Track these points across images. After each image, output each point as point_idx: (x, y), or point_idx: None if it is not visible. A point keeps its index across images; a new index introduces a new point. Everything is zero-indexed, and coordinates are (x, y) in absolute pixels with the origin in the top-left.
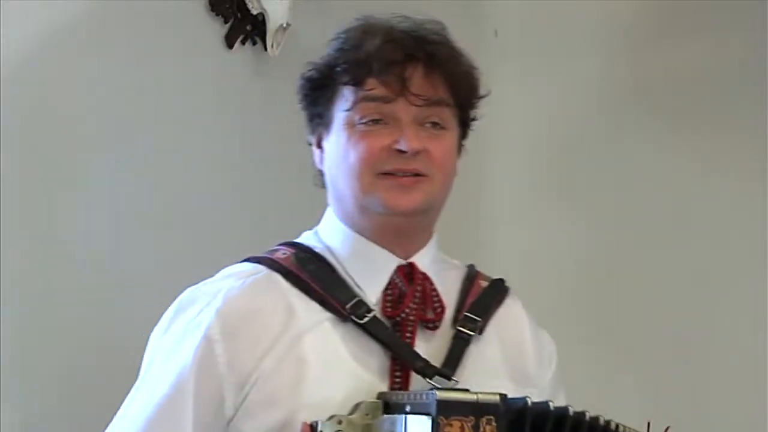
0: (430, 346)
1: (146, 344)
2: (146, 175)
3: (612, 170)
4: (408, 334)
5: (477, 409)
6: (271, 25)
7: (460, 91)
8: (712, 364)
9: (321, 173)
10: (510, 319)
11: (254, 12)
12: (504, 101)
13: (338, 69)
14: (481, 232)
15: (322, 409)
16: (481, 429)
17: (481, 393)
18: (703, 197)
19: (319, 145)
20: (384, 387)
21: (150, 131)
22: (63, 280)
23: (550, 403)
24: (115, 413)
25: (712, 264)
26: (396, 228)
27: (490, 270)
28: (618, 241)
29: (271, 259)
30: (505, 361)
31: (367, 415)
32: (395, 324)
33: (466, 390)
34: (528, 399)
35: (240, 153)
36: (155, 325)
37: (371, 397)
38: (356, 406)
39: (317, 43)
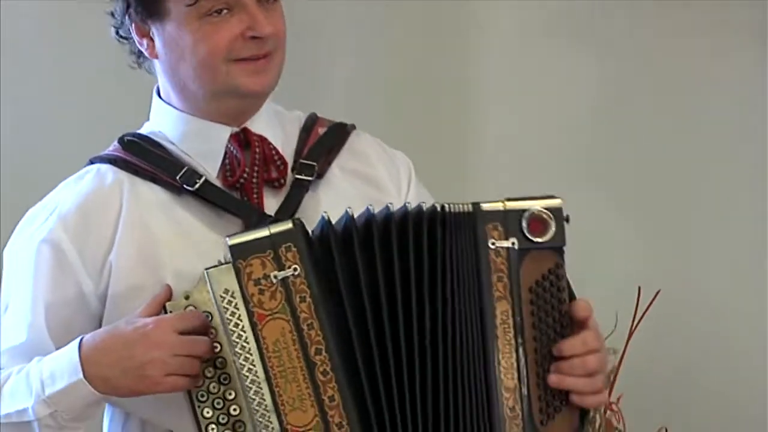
0: (280, 203)
1: None
2: None
3: None
4: (255, 197)
5: (273, 242)
6: None
7: None
8: (712, 227)
9: (140, 62)
10: (355, 153)
11: None
12: None
13: None
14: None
15: (181, 282)
16: (283, 259)
17: (273, 225)
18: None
19: (146, 35)
20: None
21: None
22: None
23: (348, 210)
24: None
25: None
26: (245, 107)
27: None
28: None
29: (100, 156)
30: (359, 195)
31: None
32: (241, 191)
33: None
34: (325, 214)
35: None
36: None
37: None
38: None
39: None
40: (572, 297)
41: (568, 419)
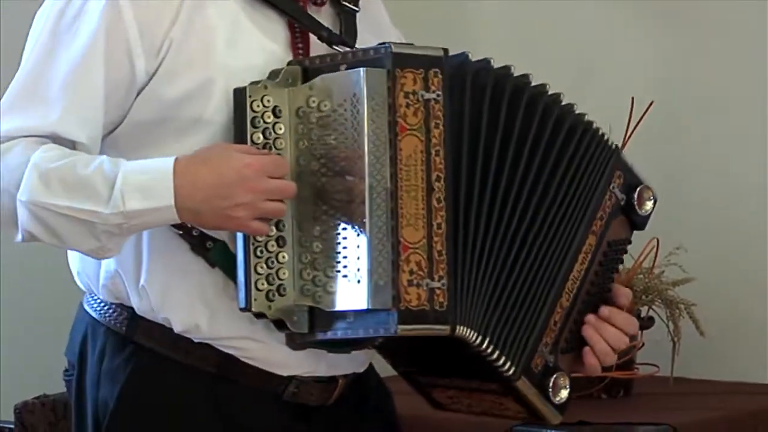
0: (320, 20)
1: None
2: None
3: None
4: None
5: (426, 63)
6: None
7: None
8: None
9: None
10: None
11: None
12: None
13: None
14: None
15: (237, 72)
16: (430, 81)
17: (425, 47)
18: None
19: None
20: (288, 58)
21: None
22: None
23: (491, 59)
24: None
25: None
26: None
27: None
28: None
29: None
30: (379, 38)
31: (288, 80)
32: None
33: (412, 44)
34: (468, 54)
35: None
36: None
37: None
38: (273, 73)
39: None
40: None
41: (573, 362)
